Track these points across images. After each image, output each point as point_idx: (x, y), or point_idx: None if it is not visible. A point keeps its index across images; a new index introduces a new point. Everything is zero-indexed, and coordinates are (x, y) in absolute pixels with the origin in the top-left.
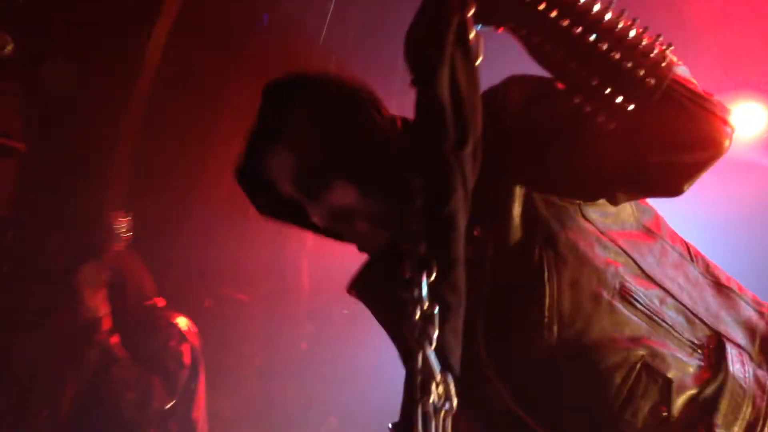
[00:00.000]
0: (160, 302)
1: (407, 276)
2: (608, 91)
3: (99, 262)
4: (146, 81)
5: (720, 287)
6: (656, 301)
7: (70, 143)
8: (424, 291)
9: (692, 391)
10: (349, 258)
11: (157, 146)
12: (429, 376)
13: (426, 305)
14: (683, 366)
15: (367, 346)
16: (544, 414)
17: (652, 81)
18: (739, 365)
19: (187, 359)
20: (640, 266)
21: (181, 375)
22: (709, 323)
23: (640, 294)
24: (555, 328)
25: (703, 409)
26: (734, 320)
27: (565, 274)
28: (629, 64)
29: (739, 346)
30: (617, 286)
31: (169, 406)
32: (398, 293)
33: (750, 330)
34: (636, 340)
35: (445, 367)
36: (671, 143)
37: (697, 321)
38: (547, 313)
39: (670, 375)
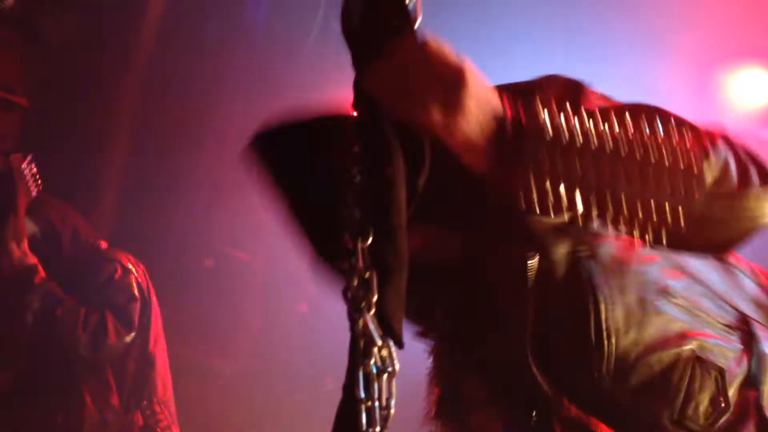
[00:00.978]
0: (102, 244)
1: (347, 245)
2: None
3: (15, 214)
4: (149, 34)
5: (725, 264)
6: (690, 291)
7: (71, 97)
8: (361, 257)
9: (740, 377)
10: None
11: (160, 102)
12: (371, 340)
13: (363, 270)
14: (726, 352)
15: None
16: (612, 426)
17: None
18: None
19: (135, 292)
20: (671, 256)
21: (133, 307)
22: (732, 304)
23: (676, 286)
24: (613, 339)
25: (750, 391)
26: (744, 297)
27: (613, 282)
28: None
29: (759, 323)
30: (658, 283)
31: (129, 338)
32: (338, 264)
33: (758, 305)
34: (683, 336)
35: (387, 331)
36: (711, 244)
37: (723, 303)
38: (605, 326)
39: (720, 364)
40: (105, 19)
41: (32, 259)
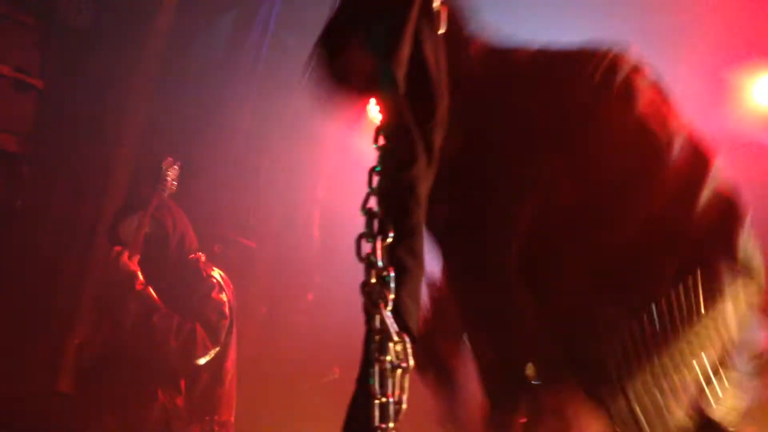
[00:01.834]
0: (202, 256)
1: (368, 240)
2: None
3: (143, 213)
4: (166, 16)
5: None
6: None
7: (87, 79)
8: (380, 255)
9: None
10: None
11: (175, 87)
12: (387, 336)
13: (381, 268)
14: None
15: None
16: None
17: None
18: None
19: (226, 310)
20: None
21: (223, 325)
22: None
23: None
24: None
25: None
26: None
27: None
28: None
29: None
30: None
31: (213, 354)
32: (360, 258)
33: None
34: None
35: (403, 328)
36: None
37: None
38: None
39: None
40: (121, 1)
41: (135, 266)
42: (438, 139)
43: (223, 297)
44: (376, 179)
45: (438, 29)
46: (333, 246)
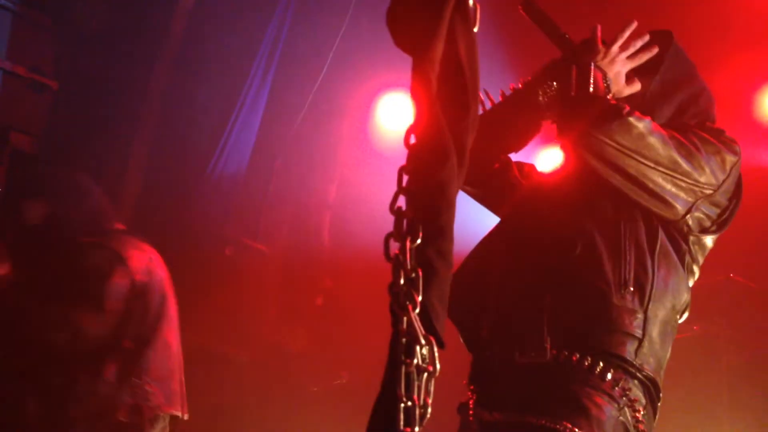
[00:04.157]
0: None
1: (396, 240)
2: None
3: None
4: (180, 19)
5: None
6: None
7: (101, 80)
8: (408, 256)
9: None
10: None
11: (188, 90)
12: (414, 339)
13: (410, 270)
14: None
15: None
16: None
17: None
18: None
19: (112, 273)
20: None
21: (106, 289)
22: None
23: None
24: None
25: None
26: None
27: None
28: None
29: None
30: None
31: (108, 319)
32: (387, 258)
33: None
34: None
35: (430, 331)
36: None
37: None
38: None
39: None
40: (136, 3)
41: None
42: (470, 139)
43: (105, 262)
44: (406, 179)
45: (472, 27)
46: (343, 250)
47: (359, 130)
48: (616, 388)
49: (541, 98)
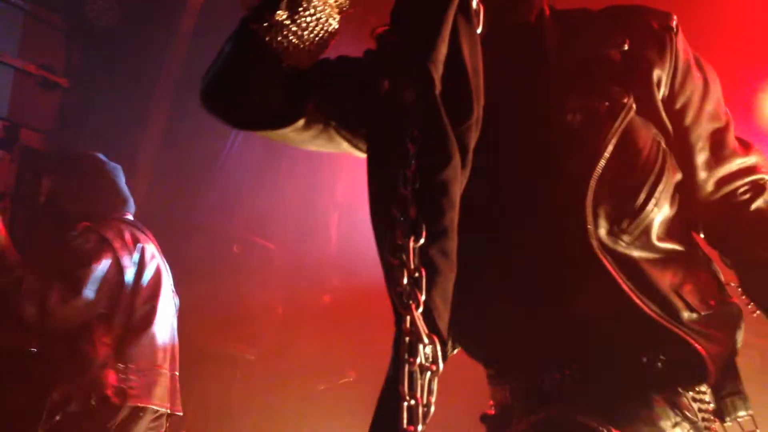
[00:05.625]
0: (86, 224)
1: (398, 242)
2: None
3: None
4: (190, 19)
5: None
6: None
7: (111, 78)
8: (412, 255)
9: None
10: None
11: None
12: (417, 338)
13: (413, 269)
14: None
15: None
16: None
17: None
18: None
19: (95, 258)
20: None
21: (83, 273)
22: None
23: None
24: None
25: None
26: None
27: None
28: None
29: None
30: None
31: (79, 303)
32: (387, 259)
33: None
34: None
35: (433, 330)
36: None
37: None
38: None
39: None
40: (146, 2)
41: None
42: (473, 140)
43: (99, 246)
44: (409, 179)
45: (476, 28)
46: (350, 249)
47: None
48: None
49: None
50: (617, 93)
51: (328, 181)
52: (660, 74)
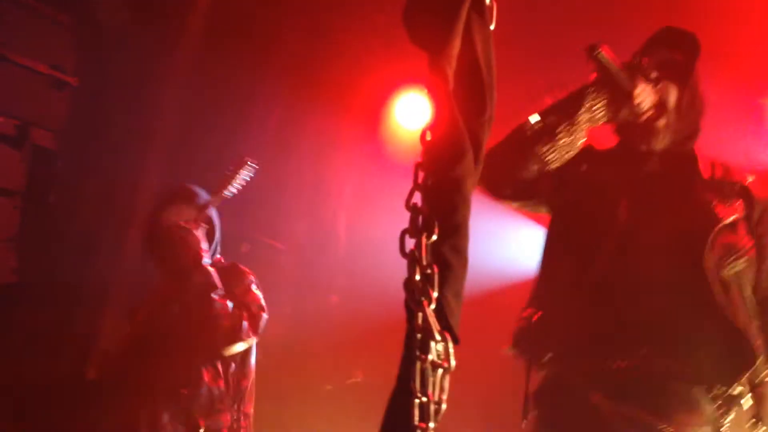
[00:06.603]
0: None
1: (412, 237)
2: None
3: (202, 205)
4: (197, 19)
5: None
6: None
7: (120, 77)
8: (424, 251)
9: None
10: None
11: (205, 91)
12: (429, 334)
13: (426, 266)
14: None
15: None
16: None
17: None
18: None
19: (262, 303)
20: None
21: (261, 316)
22: None
23: None
24: None
25: None
26: None
27: None
28: None
29: None
30: None
31: (251, 342)
32: (403, 254)
33: None
34: None
35: (445, 327)
36: None
37: None
38: None
39: None
40: (156, 1)
41: (200, 241)
42: (486, 136)
43: (260, 294)
44: (421, 175)
45: (489, 25)
46: (358, 249)
47: (374, 128)
48: None
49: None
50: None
51: (337, 182)
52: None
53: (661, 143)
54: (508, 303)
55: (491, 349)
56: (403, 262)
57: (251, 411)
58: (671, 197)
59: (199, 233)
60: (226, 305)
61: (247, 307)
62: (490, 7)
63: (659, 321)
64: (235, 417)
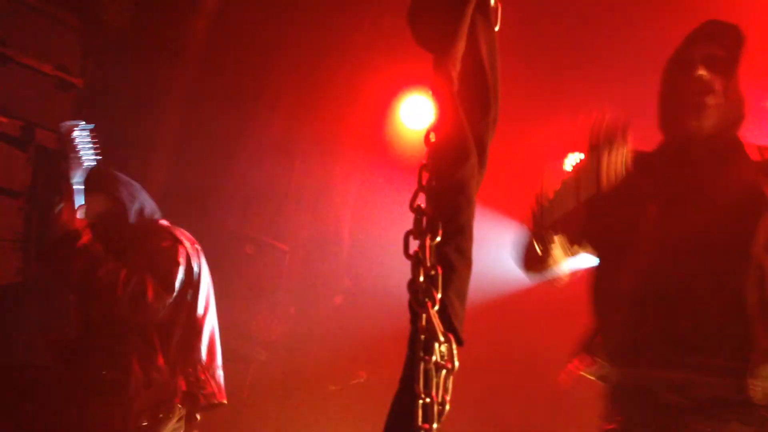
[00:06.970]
0: (163, 222)
1: (416, 238)
2: None
3: (66, 182)
4: (203, 21)
5: None
6: None
7: (126, 78)
8: (428, 252)
9: None
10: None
11: (210, 92)
12: (433, 336)
13: (429, 267)
14: None
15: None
16: None
17: None
18: None
19: (179, 258)
20: None
21: (174, 271)
22: None
23: None
24: None
25: None
26: None
27: None
28: None
29: None
30: None
31: (169, 300)
32: (407, 255)
33: None
34: None
35: (449, 329)
36: None
37: None
38: None
39: None
40: (161, 3)
41: (78, 224)
42: (490, 137)
43: (177, 248)
44: (426, 177)
45: (494, 26)
46: (362, 250)
47: (379, 130)
48: None
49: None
50: None
51: (341, 183)
52: None
53: (709, 120)
54: (513, 308)
55: (493, 352)
56: (407, 264)
57: (214, 365)
58: (720, 180)
59: (73, 212)
60: (118, 276)
61: (153, 266)
62: (495, 9)
63: (712, 319)
64: (192, 379)
